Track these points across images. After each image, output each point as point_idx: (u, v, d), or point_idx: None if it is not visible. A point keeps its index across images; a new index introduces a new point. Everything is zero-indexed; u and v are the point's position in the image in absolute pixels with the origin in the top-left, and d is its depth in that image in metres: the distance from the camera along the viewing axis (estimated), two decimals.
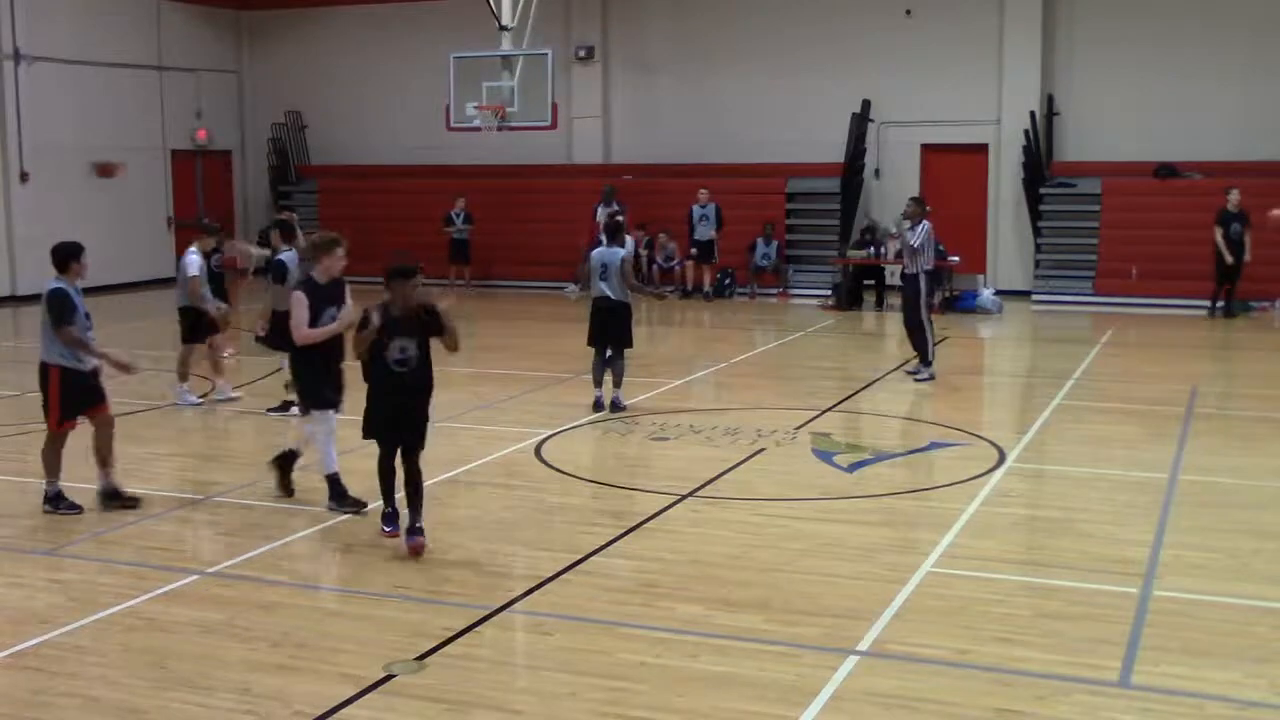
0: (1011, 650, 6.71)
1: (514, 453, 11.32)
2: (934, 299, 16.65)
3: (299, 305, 9.33)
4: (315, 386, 9.41)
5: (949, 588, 7.71)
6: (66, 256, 9.84)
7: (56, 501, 9.52)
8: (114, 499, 9.60)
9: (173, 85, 27.11)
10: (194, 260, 13.60)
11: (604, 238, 13.50)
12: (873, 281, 22.44)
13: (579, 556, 8.31)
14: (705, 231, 22.83)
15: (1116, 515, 9.35)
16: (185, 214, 27.66)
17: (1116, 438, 12.05)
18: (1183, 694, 6.18)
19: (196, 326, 13.70)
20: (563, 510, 9.57)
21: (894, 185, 24.32)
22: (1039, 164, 22.92)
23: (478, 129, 22.53)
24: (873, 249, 22.41)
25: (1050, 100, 23.30)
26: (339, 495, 9.38)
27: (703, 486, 10.12)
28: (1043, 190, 22.89)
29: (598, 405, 12.97)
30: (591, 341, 13.09)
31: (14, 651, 6.83)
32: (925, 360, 14.82)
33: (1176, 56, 22.41)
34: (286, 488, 9.80)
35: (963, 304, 21.56)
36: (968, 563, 8.21)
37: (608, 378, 13.07)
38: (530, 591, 7.69)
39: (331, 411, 9.41)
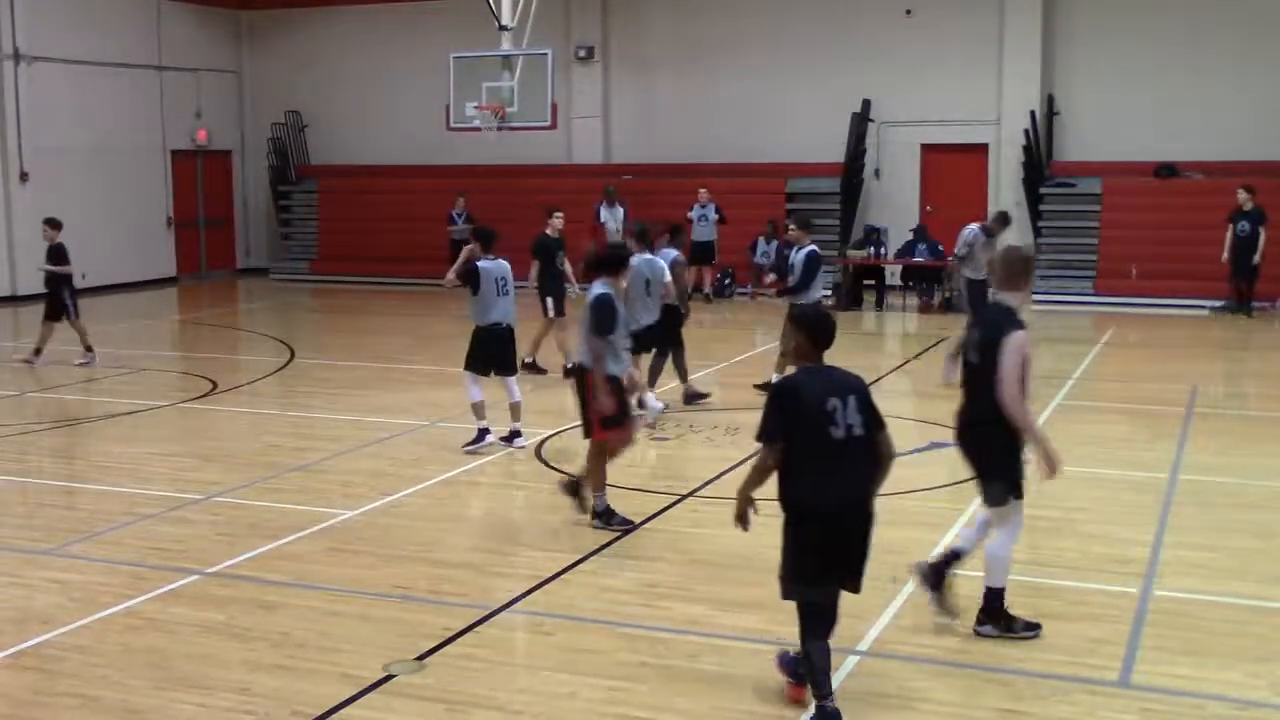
0: (1011, 650, 6.71)
1: (514, 452, 11.31)
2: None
3: (1016, 353, 6.67)
4: (1013, 465, 6.86)
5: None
6: (620, 261, 9.27)
7: (608, 517, 8.96)
8: (606, 516, 9.05)
9: (173, 85, 27.11)
10: (670, 256, 13.13)
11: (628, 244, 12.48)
12: (873, 281, 22.45)
13: (579, 556, 8.31)
14: (705, 232, 22.80)
15: (1116, 515, 9.34)
16: (185, 214, 27.69)
17: (1116, 438, 12.05)
18: (1183, 694, 6.18)
19: (675, 328, 13.17)
20: (563, 510, 9.55)
21: (894, 185, 24.35)
22: (1039, 164, 22.92)
23: (477, 129, 22.50)
24: (873, 249, 22.42)
25: (1050, 100, 23.30)
26: (1009, 621, 6.95)
27: (703, 486, 10.12)
28: (1043, 190, 22.89)
29: (648, 404, 12.59)
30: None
31: (14, 651, 6.83)
32: None
33: (1177, 56, 22.41)
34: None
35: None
36: (968, 563, 8.20)
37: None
38: (531, 591, 7.69)
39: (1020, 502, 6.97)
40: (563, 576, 7.95)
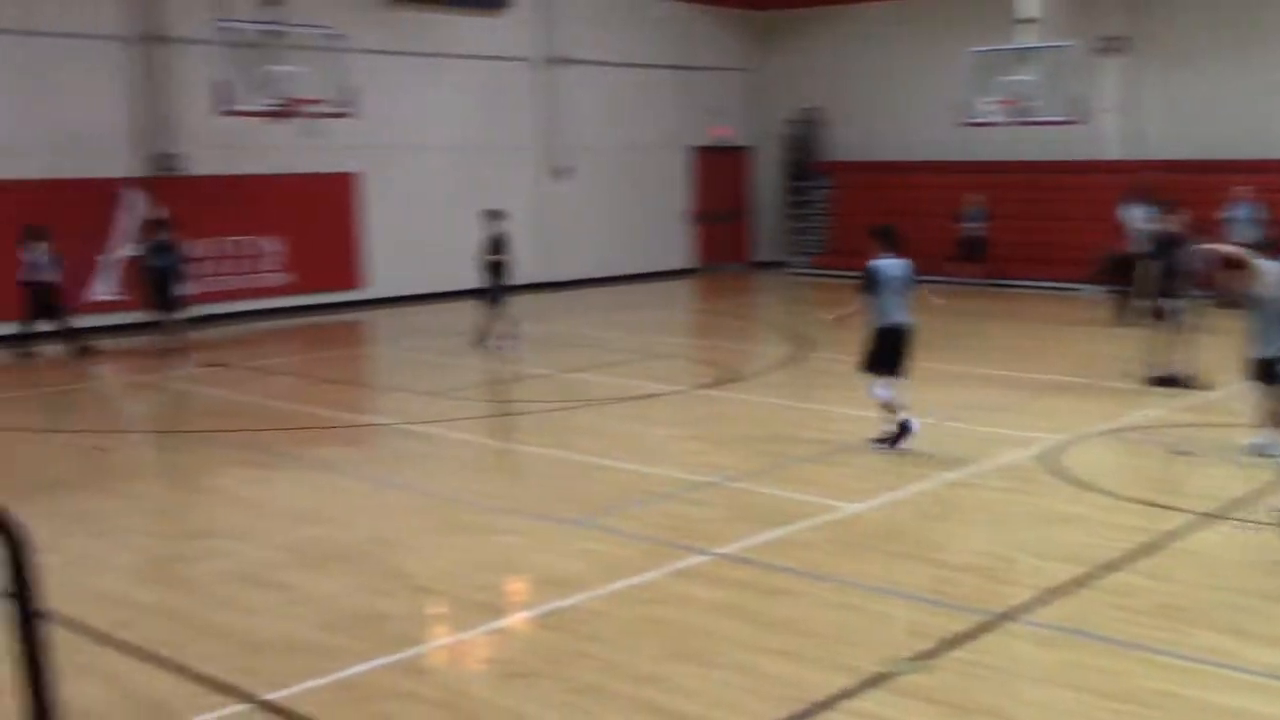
0: None
1: (1023, 457, 10.99)
2: None
3: None
4: None
5: None
6: None
7: None
8: None
9: (695, 84, 28.39)
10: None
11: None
12: None
13: (1090, 570, 7.95)
14: (1243, 233, 21.09)
15: None
16: (703, 208, 28.94)
17: None
18: None
19: None
20: (1073, 520, 9.19)
21: None
22: None
23: (995, 124, 22.08)
24: None
25: None
26: None
27: (1230, 506, 9.40)
28: None
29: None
30: None
31: (546, 610, 7.40)
32: None
33: None
34: None
35: None
36: None
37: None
38: (1038, 602, 7.44)
39: None
40: (1073, 589, 7.64)
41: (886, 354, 11.23)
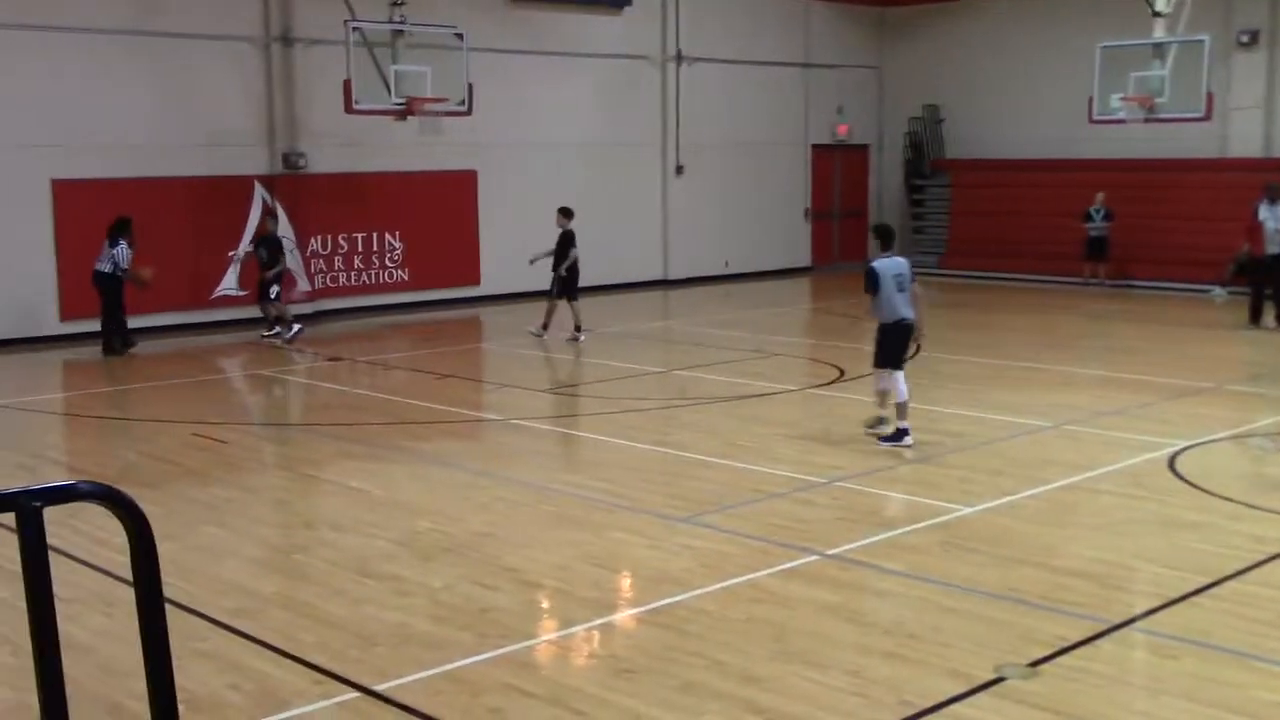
0: None
1: (1143, 462, 10.74)
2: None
3: None
4: None
5: None
6: None
7: None
8: None
9: (816, 81, 28.19)
10: None
11: None
12: None
13: (1212, 580, 7.73)
14: None
15: None
16: (822, 206, 28.74)
17: None
18: None
19: None
20: (1195, 528, 8.94)
21: None
22: None
23: (1122, 121, 21.58)
24: None
25: None
26: None
27: None
28: None
29: None
30: None
31: (651, 608, 7.41)
32: None
33: None
34: None
35: None
36: None
37: None
38: (1155, 610, 7.26)
39: None
40: (1192, 598, 7.44)
41: (897, 348, 11.55)
